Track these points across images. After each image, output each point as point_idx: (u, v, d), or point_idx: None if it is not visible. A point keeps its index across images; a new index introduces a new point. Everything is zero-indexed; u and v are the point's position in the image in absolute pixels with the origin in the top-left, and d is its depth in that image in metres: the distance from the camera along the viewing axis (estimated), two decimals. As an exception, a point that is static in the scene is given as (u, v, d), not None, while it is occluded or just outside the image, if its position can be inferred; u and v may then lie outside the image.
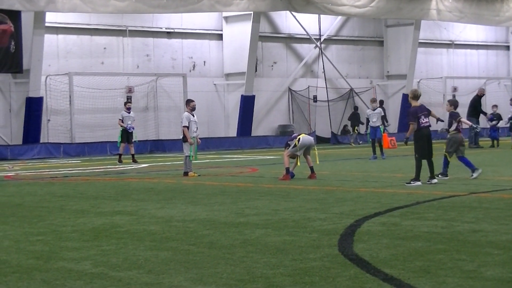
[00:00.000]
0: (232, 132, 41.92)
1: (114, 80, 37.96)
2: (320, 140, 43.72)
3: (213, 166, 26.57)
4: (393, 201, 13.96)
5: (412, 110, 17.55)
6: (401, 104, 47.58)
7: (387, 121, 29.60)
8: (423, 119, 17.36)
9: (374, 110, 28.32)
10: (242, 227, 11.11)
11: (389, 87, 49.32)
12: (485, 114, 34.95)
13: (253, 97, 41.51)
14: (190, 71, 41.12)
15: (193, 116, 21.51)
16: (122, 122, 28.91)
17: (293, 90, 44.75)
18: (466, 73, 52.62)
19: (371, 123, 28.03)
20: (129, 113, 29.06)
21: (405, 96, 47.61)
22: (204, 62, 41.99)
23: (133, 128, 28.96)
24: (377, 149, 27.76)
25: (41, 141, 35.33)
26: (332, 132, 44.77)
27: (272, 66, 44.31)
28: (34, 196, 16.85)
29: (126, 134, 28.90)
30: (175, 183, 19.50)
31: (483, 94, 35.84)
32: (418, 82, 49.22)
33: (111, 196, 16.48)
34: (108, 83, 37.58)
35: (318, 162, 19.79)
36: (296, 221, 11.66)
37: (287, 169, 19.61)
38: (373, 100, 29.41)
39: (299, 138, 19.67)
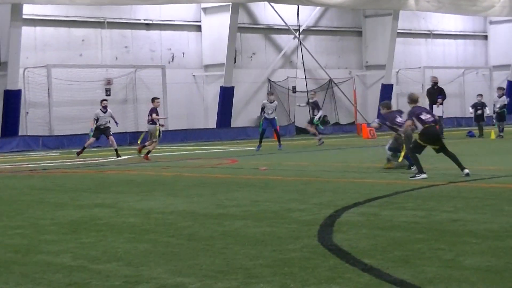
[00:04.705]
0: (212, 123, 41.85)
1: (93, 72, 37.76)
2: (299, 131, 43.73)
3: (193, 157, 26.54)
4: (372, 191, 14.00)
5: (410, 111, 17.16)
6: (380, 94, 47.65)
7: (318, 113, 31.11)
8: (425, 115, 16.71)
9: (271, 102, 29.47)
10: (222, 219, 11.11)
11: (368, 77, 49.37)
12: (434, 103, 34.17)
13: (232, 88, 41.45)
14: (169, 62, 40.98)
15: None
16: (96, 123, 27.11)
17: (272, 81, 44.70)
18: (445, 63, 52.73)
19: (265, 115, 29.16)
20: (105, 112, 27.28)
21: (384, 86, 47.73)
22: (183, 53, 41.87)
23: (116, 123, 27.75)
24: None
25: (19, 134, 35.14)
26: (311, 123, 44.70)
27: (251, 57, 44.25)
28: (13, 190, 16.76)
29: (100, 132, 27.36)
30: (155, 175, 19.47)
31: (436, 82, 35.63)
32: (397, 72, 49.34)
33: (90, 188, 16.43)
34: (87, 75, 37.38)
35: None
36: (276, 212, 11.66)
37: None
38: (270, 93, 31.22)
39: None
